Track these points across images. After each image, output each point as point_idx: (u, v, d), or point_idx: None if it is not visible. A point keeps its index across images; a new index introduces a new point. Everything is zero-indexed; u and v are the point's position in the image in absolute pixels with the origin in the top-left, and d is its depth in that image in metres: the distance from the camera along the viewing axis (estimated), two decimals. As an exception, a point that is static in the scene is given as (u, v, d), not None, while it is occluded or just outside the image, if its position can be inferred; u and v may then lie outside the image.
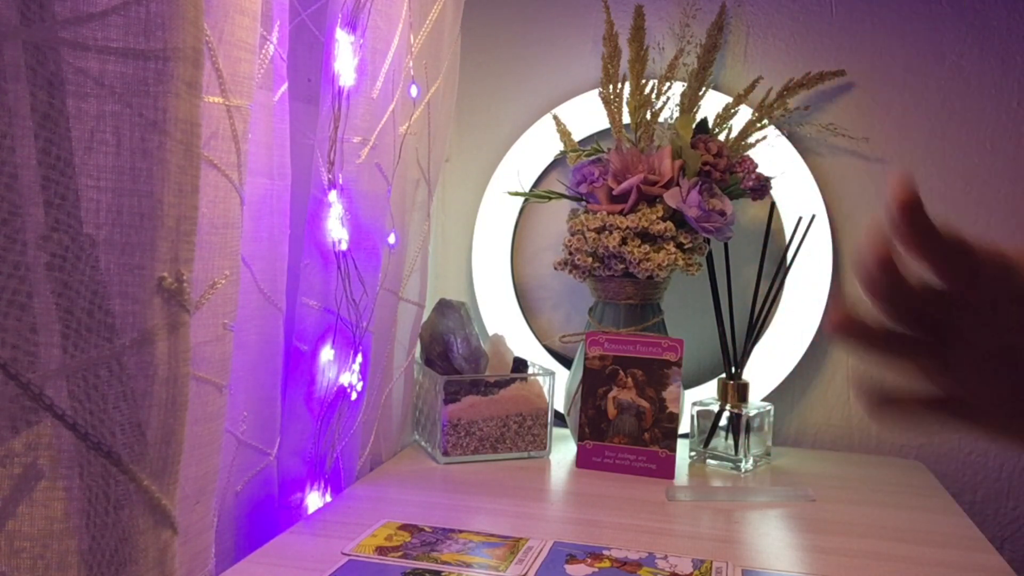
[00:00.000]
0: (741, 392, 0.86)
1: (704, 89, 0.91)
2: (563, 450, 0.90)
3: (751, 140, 0.91)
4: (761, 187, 0.86)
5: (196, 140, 0.43)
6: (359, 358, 0.73)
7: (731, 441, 0.85)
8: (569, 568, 0.58)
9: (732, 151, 0.89)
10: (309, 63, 0.74)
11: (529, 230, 1.04)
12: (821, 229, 0.93)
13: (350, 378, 0.73)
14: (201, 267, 0.51)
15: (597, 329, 0.88)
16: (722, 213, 0.83)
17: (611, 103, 0.91)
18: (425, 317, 0.90)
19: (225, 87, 0.51)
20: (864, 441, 0.97)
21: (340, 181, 0.70)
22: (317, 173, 0.70)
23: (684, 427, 0.89)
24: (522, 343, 1.02)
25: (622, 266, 0.84)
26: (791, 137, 0.95)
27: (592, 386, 0.84)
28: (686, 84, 0.91)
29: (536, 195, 0.95)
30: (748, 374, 0.89)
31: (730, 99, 0.92)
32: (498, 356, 0.88)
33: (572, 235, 0.86)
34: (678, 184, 0.84)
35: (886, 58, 0.94)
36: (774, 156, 0.93)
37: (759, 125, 0.91)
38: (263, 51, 0.61)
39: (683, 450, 0.87)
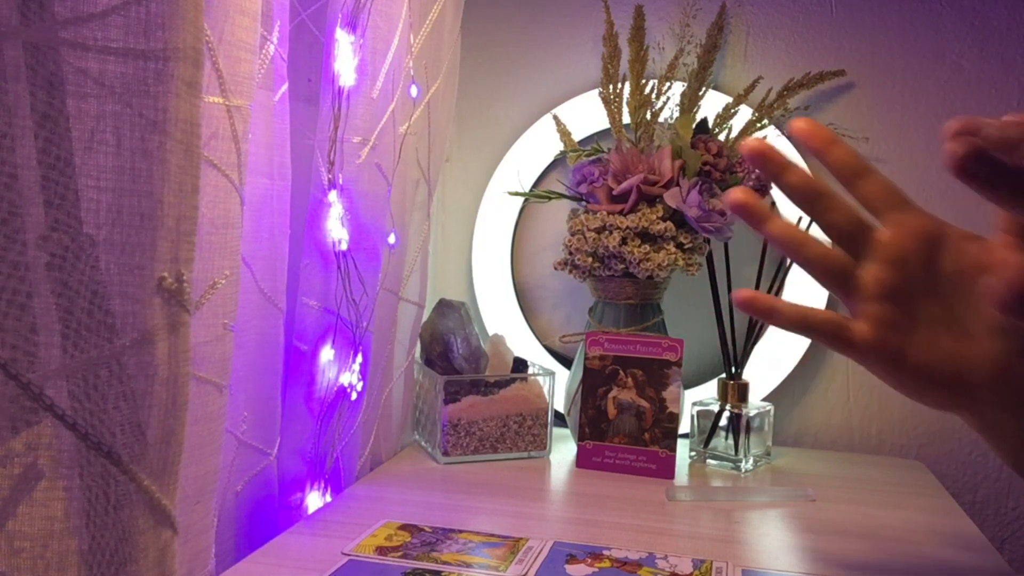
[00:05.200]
0: (741, 392, 0.86)
1: (704, 89, 0.91)
2: (563, 450, 0.90)
3: (751, 140, 0.91)
4: (761, 187, 0.86)
5: (196, 140, 0.43)
6: (359, 358, 0.73)
7: (731, 441, 0.85)
8: (569, 568, 0.58)
9: (732, 151, 0.89)
10: (309, 63, 0.74)
11: (529, 230, 1.04)
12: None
13: (350, 378, 0.73)
14: (201, 267, 0.51)
15: (597, 329, 0.88)
16: (722, 213, 0.83)
17: (611, 103, 0.91)
18: (425, 317, 0.90)
19: (225, 87, 0.51)
20: (864, 441, 0.97)
21: (340, 181, 0.70)
22: (317, 173, 0.70)
23: (684, 427, 0.89)
24: (522, 343, 1.02)
25: (622, 266, 0.84)
26: (791, 137, 0.95)
27: (592, 386, 0.84)
28: (686, 84, 0.91)
29: (536, 195, 0.95)
30: (748, 374, 0.89)
31: (730, 99, 0.92)
32: (498, 356, 0.88)
33: (572, 235, 0.86)
34: (678, 184, 0.84)
35: (886, 58, 0.94)
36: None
37: (759, 125, 0.91)
38: (263, 51, 0.61)
39: (683, 450, 0.87)
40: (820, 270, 0.52)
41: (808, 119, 0.51)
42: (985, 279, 0.43)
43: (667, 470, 0.82)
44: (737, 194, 0.51)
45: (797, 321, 0.52)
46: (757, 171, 0.86)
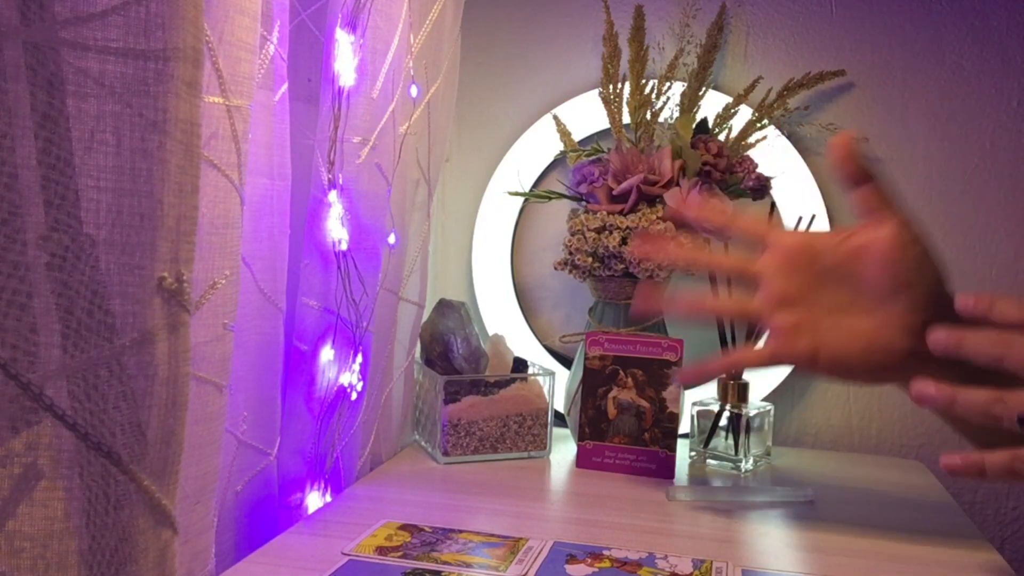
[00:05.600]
0: (741, 392, 0.86)
1: (704, 89, 0.91)
2: (563, 450, 0.90)
3: (751, 140, 0.91)
4: (761, 187, 0.86)
5: (196, 140, 0.43)
6: (359, 358, 0.73)
7: (731, 441, 0.85)
8: (569, 568, 0.58)
9: (732, 151, 0.89)
10: (309, 63, 0.74)
11: (529, 230, 1.04)
12: (821, 229, 0.93)
13: (350, 378, 0.73)
14: (201, 267, 0.51)
15: (597, 329, 0.88)
16: (722, 213, 0.83)
17: (611, 103, 0.91)
18: (425, 317, 0.90)
19: (225, 87, 0.51)
20: (864, 441, 0.97)
21: (340, 181, 0.70)
22: (317, 173, 0.70)
23: (684, 427, 0.89)
24: (522, 343, 1.02)
25: (622, 266, 0.84)
26: (791, 137, 0.95)
27: (592, 386, 0.84)
28: (686, 84, 0.91)
29: (536, 195, 0.95)
30: (748, 374, 0.89)
31: (730, 99, 0.92)
32: (498, 356, 0.88)
33: (572, 235, 0.86)
34: (678, 184, 0.84)
35: (886, 58, 0.94)
36: (774, 156, 0.93)
37: (759, 125, 0.91)
38: (263, 51, 0.61)
39: (683, 450, 0.87)
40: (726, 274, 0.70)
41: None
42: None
43: (667, 470, 0.82)
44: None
45: (728, 367, 0.69)
46: (757, 171, 0.87)
